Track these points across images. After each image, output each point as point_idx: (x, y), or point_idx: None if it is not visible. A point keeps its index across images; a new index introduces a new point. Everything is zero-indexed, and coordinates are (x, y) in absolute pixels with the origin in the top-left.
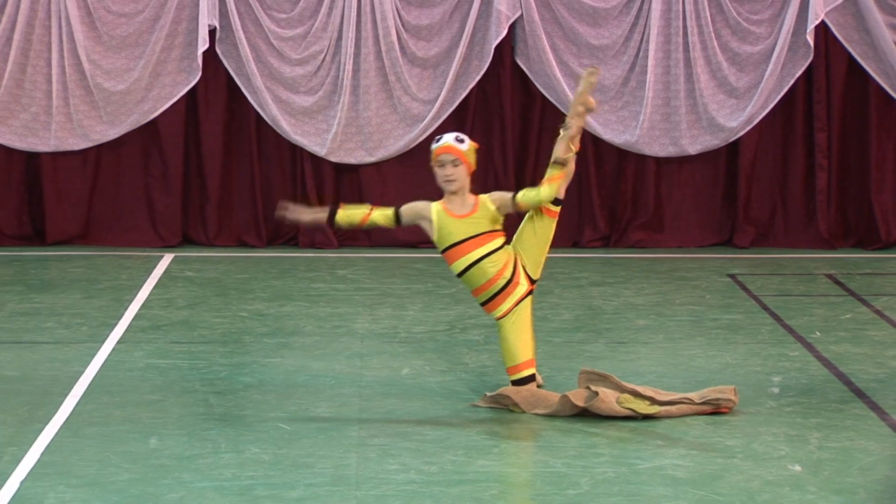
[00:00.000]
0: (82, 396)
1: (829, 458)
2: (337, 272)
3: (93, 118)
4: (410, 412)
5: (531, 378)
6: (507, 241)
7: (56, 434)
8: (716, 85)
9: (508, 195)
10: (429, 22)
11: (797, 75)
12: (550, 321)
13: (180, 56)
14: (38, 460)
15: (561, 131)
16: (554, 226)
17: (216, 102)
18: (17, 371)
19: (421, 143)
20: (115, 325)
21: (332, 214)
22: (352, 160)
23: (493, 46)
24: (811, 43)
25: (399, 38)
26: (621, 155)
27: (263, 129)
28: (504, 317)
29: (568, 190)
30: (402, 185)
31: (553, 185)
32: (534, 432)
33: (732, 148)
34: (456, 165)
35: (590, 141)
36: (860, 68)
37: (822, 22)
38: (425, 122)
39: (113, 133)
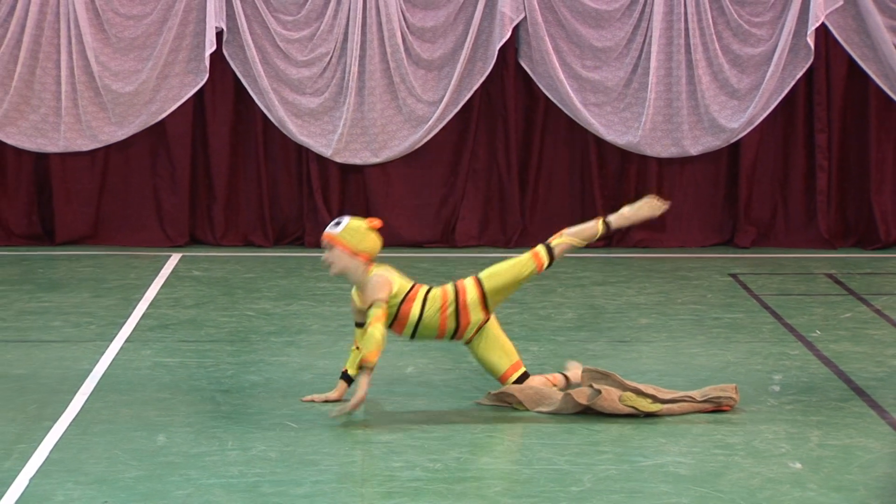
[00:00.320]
0: (90, 394)
1: (829, 456)
2: None
3: (101, 119)
4: (415, 410)
5: (524, 377)
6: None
7: (64, 432)
8: (717, 86)
9: (368, 310)
10: (433, 24)
11: (798, 77)
12: (553, 320)
13: (188, 58)
14: (47, 458)
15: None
16: (531, 273)
17: (223, 104)
18: (25, 369)
19: (426, 144)
20: (123, 323)
21: (348, 377)
22: (357, 161)
23: (497, 48)
24: (812, 45)
25: (404, 40)
26: (624, 156)
27: (270, 130)
28: (471, 341)
29: (571, 190)
30: (406, 186)
31: (374, 328)
32: (537, 430)
33: (734, 149)
34: (330, 249)
35: (593, 142)
36: (860, 70)
37: (823, 24)
38: (430, 123)
39: (121, 134)
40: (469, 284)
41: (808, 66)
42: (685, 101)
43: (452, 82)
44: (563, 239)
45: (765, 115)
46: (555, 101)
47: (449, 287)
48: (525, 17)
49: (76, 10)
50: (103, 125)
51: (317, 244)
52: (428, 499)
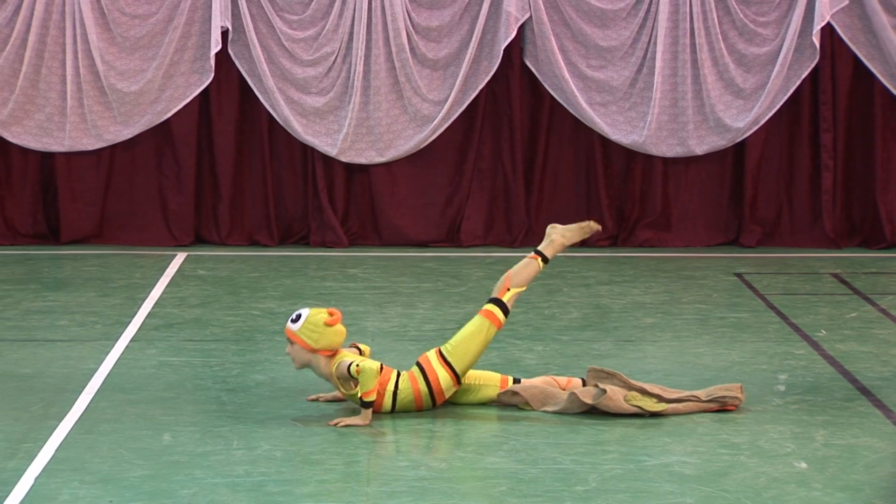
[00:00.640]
0: (96, 394)
1: (834, 456)
2: (347, 271)
3: (107, 118)
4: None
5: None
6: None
7: (70, 431)
8: (723, 86)
9: (349, 371)
10: (439, 23)
11: (803, 76)
12: (559, 320)
13: (193, 57)
14: (53, 457)
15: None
16: (494, 333)
17: (228, 103)
18: (31, 368)
19: (431, 143)
20: (129, 323)
21: (366, 403)
22: (362, 160)
23: (503, 48)
24: (817, 44)
25: (409, 40)
26: (629, 155)
27: (275, 130)
28: (458, 381)
29: (576, 190)
30: (412, 185)
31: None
32: (542, 429)
33: (739, 148)
34: (290, 344)
35: (598, 141)
36: (866, 70)
37: (828, 24)
38: (435, 122)
39: (126, 133)
40: (438, 368)
41: (813, 65)
42: (690, 100)
43: (458, 82)
44: (512, 292)
45: (770, 114)
46: (560, 101)
47: (417, 374)
48: (530, 16)
49: (82, 9)
50: (109, 124)
51: (323, 243)
52: (433, 498)
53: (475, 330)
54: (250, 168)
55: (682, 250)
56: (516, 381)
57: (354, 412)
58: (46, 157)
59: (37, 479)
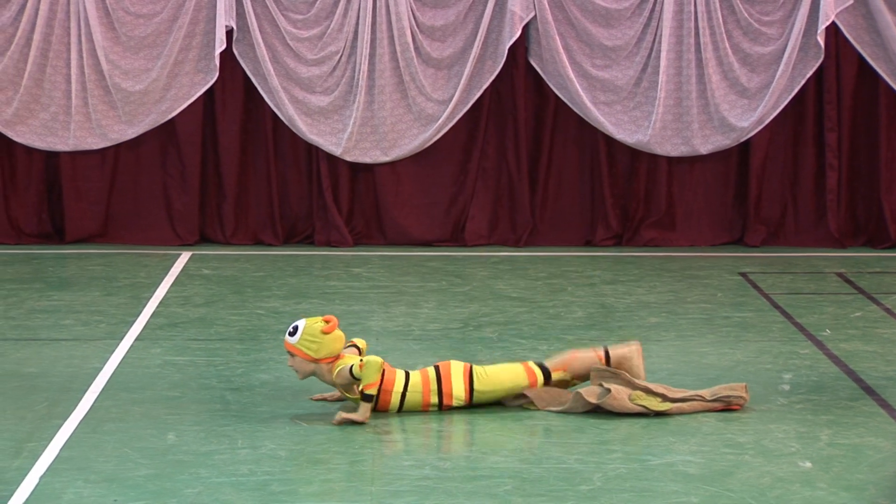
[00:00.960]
0: (101, 393)
1: (839, 455)
2: (352, 270)
3: (111, 118)
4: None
5: (547, 374)
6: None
7: (75, 430)
8: (727, 85)
9: (351, 374)
10: (443, 23)
11: (808, 76)
12: (563, 319)
13: (198, 56)
14: (57, 456)
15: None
16: (523, 386)
17: (233, 102)
18: (36, 368)
19: (435, 142)
20: (133, 322)
21: (368, 397)
22: (367, 159)
23: (507, 47)
24: (822, 44)
25: (414, 39)
26: (633, 154)
27: (280, 129)
28: (471, 398)
29: (581, 189)
30: (416, 185)
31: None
32: (546, 429)
33: (743, 148)
34: (291, 357)
35: (602, 141)
36: (870, 69)
37: (833, 23)
38: (440, 121)
39: (131, 132)
40: (457, 380)
41: (818, 64)
42: (695, 99)
43: (462, 81)
44: (562, 374)
45: (775, 113)
46: (565, 100)
47: (432, 378)
48: (535, 15)
49: (86, 8)
50: (113, 124)
51: (327, 242)
52: (437, 498)
53: (512, 373)
54: (255, 167)
55: (687, 250)
56: (546, 372)
57: (356, 410)
58: (51, 157)
59: (41, 478)
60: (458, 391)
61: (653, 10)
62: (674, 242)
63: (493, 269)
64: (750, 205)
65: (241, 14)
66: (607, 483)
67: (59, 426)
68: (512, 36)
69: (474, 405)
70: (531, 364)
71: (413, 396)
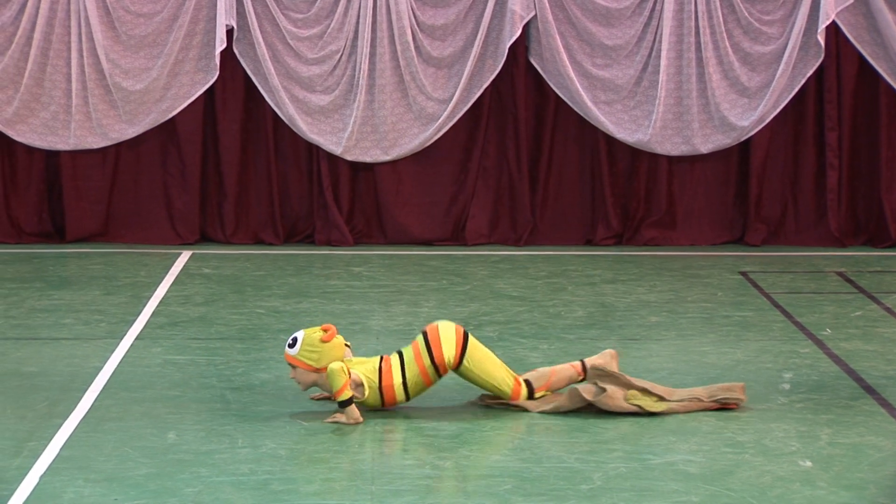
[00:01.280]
0: (101, 392)
1: (839, 454)
2: (352, 269)
3: (112, 117)
4: (425, 408)
5: (531, 392)
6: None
7: (75, 429)
8: (728, 84)
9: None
10: (444, 22)
11: (808, 75)
12: (563, 318)
13: (198, 56)
14: (58, 455)
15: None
16: (503, 392)
17: (233, 101)
18: (36, 367)
19: (436, 142)
20: (134, 321)
21: (343, 403)
22: (367, 159)
23: (508, 46)
24: (822, 43)
25: (414, 38)
26: (634, 154)
27: (280, 128)
28: (459, 364)
29: (581, 188)
30: (417, 184)
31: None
32: (547, 428)
33: (744, 147)
34: (294, 369)
35: (603, 140)
36: (871, 68)
37: (833, 22)
38: (440, 121)
39: (131, 132)
40: (446, 343)
41: (818, 64)
42: (695, 99)
43: (462, 80)
44: (544, 394)
45: (775, 113)
46: (565, 99)
47: (421, 346)
48: (535, 14)
49: (87, 7)
50: (114, 123)
51: (328, 242)
52: (438, 497)
53: (503, 372)
54: (255, 166)
55: (687, 249)
56: (530, 386)
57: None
58: (52, 156)
59: (42, 477)
60: (449, 355)
61: (653, 10)
62: (674, 242)
63: (494, 268)
64: (750, 204)
65: (241, 13)
66: (608, 482)
67: (60, 425)
68: (512, 35)
69: (460, 378)
70: (521, 380)
71: (413, 380)
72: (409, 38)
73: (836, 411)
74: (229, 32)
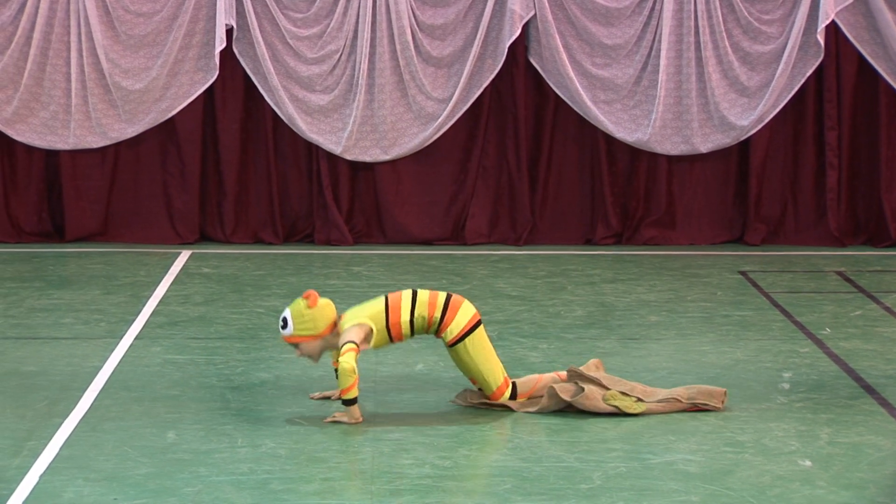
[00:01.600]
0: (101, 392)
1: (838, 454)
2: (352, 269)
3: (111, 116)
4: (425, 407)
5: (514, 393)
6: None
7: (75, 429)
8: (727, 84)
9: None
10: (443, 21)
11: (808, 74)
12: (563, 318)
13: (198, 55)
14: (57, 454)
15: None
16: (490, 387)
17: (233, 101)
18: (36, 366)
19: (436, 141)
20: (133, 321)
21: (348, 402)
22: (367, 158)
23: (507, 46)
24: (822, 42)
25: (414, 38)
26: (633, 153)
27: (280, 128)
28: (456, 342)
29: (581, 188)
30: (416, 183)
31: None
32: (547, 427)
33: (743, 146)
34: (296, 347)
35: (602, 139)
36: (870, 68)
37: (833, 22)
38: (440, 120)
39: (131, 131)
40: (462, 317)
41: (818, 63)
42: (695, 98)
43: (462, 80)
44: (524, 402)
45: (775, 112)
46: (564, 99)
47: (441, 300)
48: (535, 14)
49: (86, 7)
50: (113, 122)
51: (327, 241)
52: (437, 496)
53: (497, 368)
54: (255, 166)
55: (687, 248)
56: (514, 388)
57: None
58: (51, 155)
59: (41, 476)
60: (455, 327)
61: (653, 9)
62: (674, 241)
63: (494, 267)
64: (750, 203)
65: (240, 13)
66: (607, 482)
67: (59, 425)
68: (512, 34)
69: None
70: (511, 382)
71: (419, 321)
72: (409, 37)
73: (836, 411)
74: (229, 32)
